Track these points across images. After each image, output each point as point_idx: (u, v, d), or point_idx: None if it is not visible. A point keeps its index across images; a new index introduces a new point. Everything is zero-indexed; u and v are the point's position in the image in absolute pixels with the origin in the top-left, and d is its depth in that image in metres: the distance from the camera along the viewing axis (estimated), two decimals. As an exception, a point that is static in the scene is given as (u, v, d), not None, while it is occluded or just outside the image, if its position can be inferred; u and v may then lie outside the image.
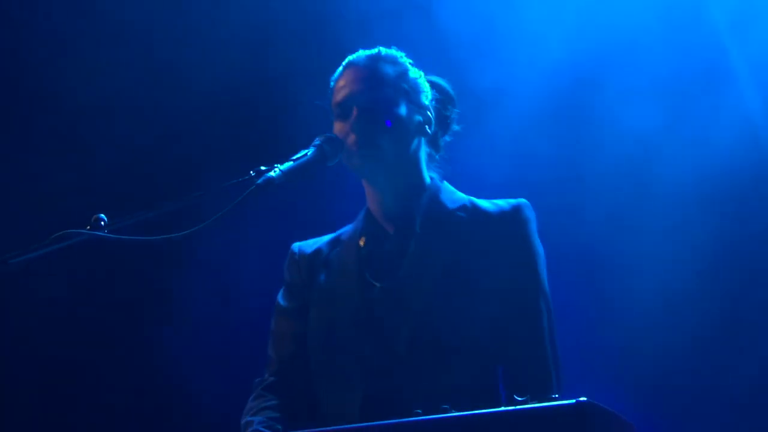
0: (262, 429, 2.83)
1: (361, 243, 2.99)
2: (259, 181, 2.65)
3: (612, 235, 4.46)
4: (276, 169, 2.70)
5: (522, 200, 2.96)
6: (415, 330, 2.80)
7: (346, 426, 2.20)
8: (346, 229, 3.08)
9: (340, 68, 3.05)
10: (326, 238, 3.10)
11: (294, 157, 2.79)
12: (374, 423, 2.18)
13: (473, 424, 2.05)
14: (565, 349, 2.85)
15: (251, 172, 2.68)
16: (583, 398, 2.01)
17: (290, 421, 2.88)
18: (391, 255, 2.93)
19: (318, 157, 2.84)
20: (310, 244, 3.10)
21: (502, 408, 2.06)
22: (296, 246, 3.12)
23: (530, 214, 2.94)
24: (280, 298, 3.08)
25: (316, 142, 2.87)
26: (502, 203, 2.96)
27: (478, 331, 2.80)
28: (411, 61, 3.07)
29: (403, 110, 2.95)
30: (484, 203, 2.98)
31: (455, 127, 3.15)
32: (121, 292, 4.85)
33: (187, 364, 4.73)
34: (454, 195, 3.02)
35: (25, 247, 2.48)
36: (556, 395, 2.05)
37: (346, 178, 3.04)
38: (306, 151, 2.83)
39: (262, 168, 2.69)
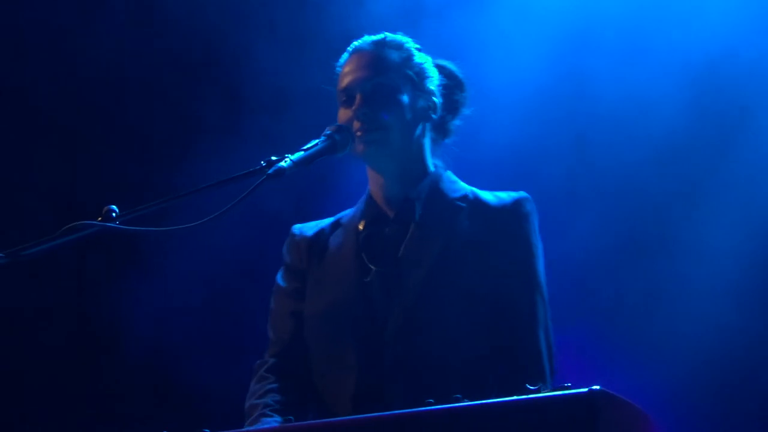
0: (269, 413, 2.83)
1: (361, 227, 2.99)
2: (270, 171, 2.65)
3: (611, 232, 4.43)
4: (287, 160, 2.70)
5: (523, 194, 2.97)
6: (405, 315, 2.82)
7: (367, 415, 2.18)
8: (347, 213, 3.09)
9: (346, 54, 3.05)
10: (327, 221, 3.11)
11: (304, 147, 2.79)
12: (388, 413, 2.17)
13: (484, 413, 2.04)
14: (577, 340, 2.84)
15: (262, 162, 2.68)
16: (595, 386, 2.00)
17: (295, 402, 2.89)
18: (389, 240, 2.94)
19: (329, 147, 2.85)
20: (310, 227, 3.11)
21: (514, 397, 2.04)
22: (297, 228, 3.12)
23: (531, 208, 2.94)
24: (280, 279, 3.09)
25: (327, 132, 2.88)
26: (504, 195, 2.97)
27: (469, 319, 2.81)
28: (418, 46, 3.06)
29: (406, 96, 2.95)
30: (486, 195, 2.99)
31: (466, 111, 3.15)
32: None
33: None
34: (455, 184, 3.03)
35: (37, 239, 2.49)
36: (568, 384, 2.03)
37: (347, 161, 3.02)
38: (316, 141, 2.84)
39: (273, 158, 2.69)
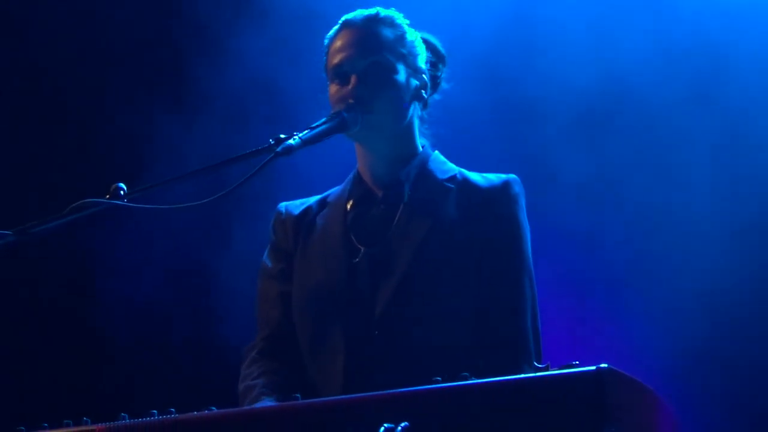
0: (268, 392, 2.82)
1: (349, 206, 2.98)
2: (279, 149, 2.65)
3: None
4: (295, 137, 2.70)
5: (512, 176, 2.96)
6: (393, 296, 2.81)
7: (381, 392, 2.18)
8: (334, 191, 3.06)
9: (336, 27, 3.00)
10: (313, 198, 3.08)
11: (313, 125, 2.79)
12: (396, 390, 2.16)
13: (492, 391, 2.04)
14: (578, 318, 2.84)
15: (270, 140, 2.68)
16: (603, 365, 2.00)
17: (288, 385, 2.85)
18: (378, 220, 2.93)
19: (337, 126, 2.83)
20: (297, 205, 3.08)
21: (522, 375, 2.05)
22: (283, 206, 3.10)
23: (519, 189, 2.94)
24: (267, 259, 3.06)
25: (338, 110, 2.86)
26: (493, 177, 2.96)
27: (456, 300, 2.81)
28: (408, 21, 3.02)
29: (401, 76, 2.93)
30: (475, 176, 2.98)
31: (444, 86, 3.13)
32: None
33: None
34: (444, 165, 3.02)
35: (46, 216, 2.50)
36: (576, 362, 2.03)
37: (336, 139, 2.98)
38: (325, 118, 2.83)
39: (281, 136, 2.68)
